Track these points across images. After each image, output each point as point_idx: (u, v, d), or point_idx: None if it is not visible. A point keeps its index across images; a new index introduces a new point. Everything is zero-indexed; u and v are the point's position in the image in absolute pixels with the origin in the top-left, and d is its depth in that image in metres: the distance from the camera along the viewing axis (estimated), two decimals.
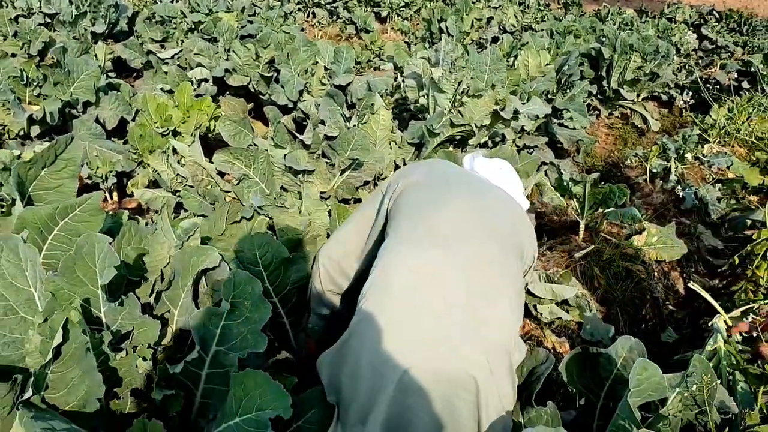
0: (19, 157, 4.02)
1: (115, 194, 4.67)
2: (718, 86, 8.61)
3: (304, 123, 5.68)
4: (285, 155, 3.79)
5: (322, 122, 4.42)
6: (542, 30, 9.87)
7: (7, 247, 1.82)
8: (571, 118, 6.20)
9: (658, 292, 4.28)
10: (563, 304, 3.49)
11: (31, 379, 1.53)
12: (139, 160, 4.68)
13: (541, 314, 3.39)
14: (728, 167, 5.80)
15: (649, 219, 4.92)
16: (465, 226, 2.01)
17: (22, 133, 5.09)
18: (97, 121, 5.39)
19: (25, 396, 1.48)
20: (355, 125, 4.56)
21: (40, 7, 7.85)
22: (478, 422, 1.73)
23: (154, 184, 4.69)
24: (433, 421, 1.70)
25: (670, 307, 4.26)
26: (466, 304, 1.80)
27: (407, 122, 4.85)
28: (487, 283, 1.88)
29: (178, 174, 3.79)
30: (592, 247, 4.29)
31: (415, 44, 9.66)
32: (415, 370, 1.71)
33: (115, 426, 1.82)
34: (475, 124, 4.39)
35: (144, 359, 1.79)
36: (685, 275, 4.62)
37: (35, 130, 5.14)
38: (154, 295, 2.03)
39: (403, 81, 5.38)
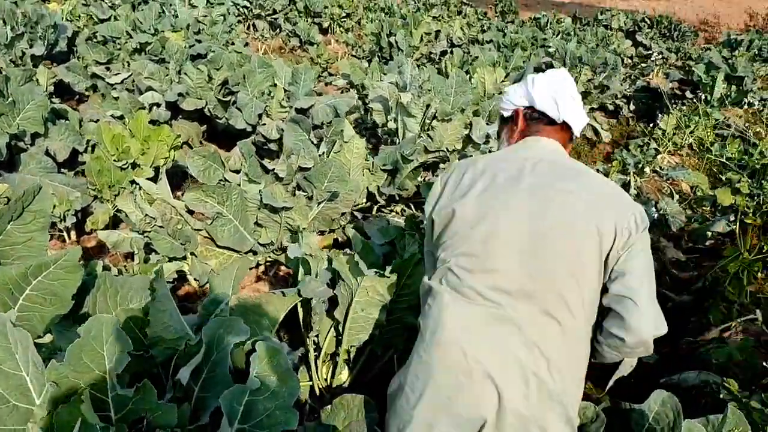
0: None
1: (73, 233, 4.43)
2: (659, 94, 8.89)
3: (265, 147, 5.55)
4: (260, 191, 3.67)
5: (291, 152, 4.31)
6: (489, 42, 9.97)
7: None
8: None
9: None
10: None
11: None
12: (99, 196, 4.45)
13: None
14: (683, 179, 5.96)
15: None
16: (525, 269, 1.81)
17: None
18: (47, 153, 5.12)
19: None
20: (324, 153, 4.47)
21: None
22: None
23: (114, 220, 4.48)
24: None
25: None
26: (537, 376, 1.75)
27: (375, 146, 4.80)
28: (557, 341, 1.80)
29: (146, 214, 3.61)
30: None
31: (363, 58, 9.62)
32: None
33: None
34: (446, 148, 4.36)
35: None
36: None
37: None
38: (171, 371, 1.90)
39: (368, 104, 5.31)
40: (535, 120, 2.14)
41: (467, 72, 6.94)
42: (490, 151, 5.24)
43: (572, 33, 12.42)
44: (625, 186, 5.77)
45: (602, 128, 7.60)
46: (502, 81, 6.52)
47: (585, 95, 7.50)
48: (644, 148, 5.92)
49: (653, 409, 1.89)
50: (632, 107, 8.37)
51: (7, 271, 2.59)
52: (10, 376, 1.65)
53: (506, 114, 2.26)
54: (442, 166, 4.49)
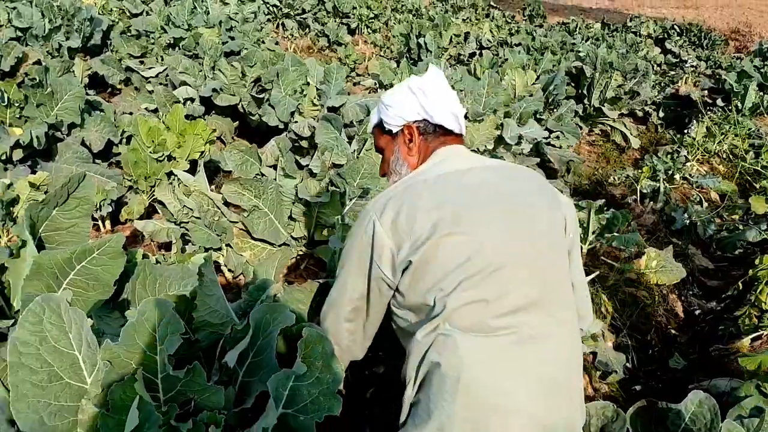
0: (9, 186, 3.86)
1: (108, 222, 4.51)
2: (688, 102, 8.83)
3: (296, 144, 5.60)
4: (296, 185, 3.72)
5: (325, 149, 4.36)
6: (518, 45, 9.97)
7: (49, 309, 1.71)
8: (558, 138, 6.27)
9: (660, 317, 4.34)
10: None
11: None
12: (134, 186, 4.54)
13: None
14: (713, 187, 5.93)
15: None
16: (525, 275, 1.77)
17: (4, 157, 4.88)
18: (82, 143, 5.22)
19: None
20: (355, 150, 4.52)
21: (10, 20, 7.57)
22: None
23: (148, 211, 4.56)
24: None
25: (672, 332, 4.32)
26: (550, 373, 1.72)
27: None
28: (565, 334, 1.78)
29: (184, 205, 3.68)
30: (597, 273, 4.32)
31: (391, 58, 9.66)
32: None
33: None
34: (478, 148, 4.38)
35: (216, 426, 1.70)
36: (683, 298, 4.70)
37: (18, 154, 4.93)
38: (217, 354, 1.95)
39: None
40: (433, 133, 2.04)
41: (497, 74, 6.95)
42: (522, 153, 5.26)
43: (601, 38, 12.37)
44: (655, 192, 5.75)
45: (631, 134, 7.57)
46: (533, 83, 6.52)
47: (615, 101, 7.48)
48: (674, 155, 5.90)
49: (690, 409, 1.90)
50: (661, 114, 8.32)
51: (52, 255, 2.66)
52: (64, 355, 1.69)
53: (395, 129, 2.08)
54: None
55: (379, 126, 2.14)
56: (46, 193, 2.90)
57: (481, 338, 1.70)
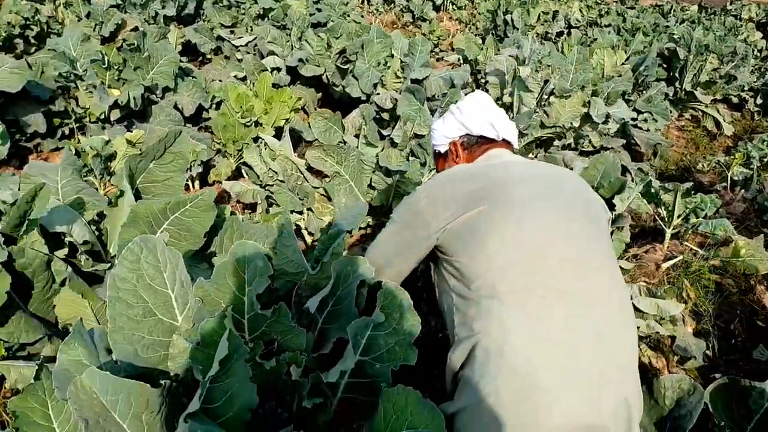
0: (108, 143, 4.07)
1: (197, 183, 4.70)
2: None
3: (378, 116, 5.65)
4: (377, 154, 3.77)
5: (407, 120, 4.38)
6: (608, 26, 9.66)
7: (147, 248, 1.81)
8: (645, 120, 6.07)
9: (746, 307, 4.18)
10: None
11: (199, 391, 1.53)
12: (222, 149, 4.70)
13: (639, 328, 3.32)
14: None
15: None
16: (569, 251, 1.81)
17: (102, 116, 5.15)
18: (175, 107, 5.45)
19: (192, 409, 1.48)
20: None
21: None
22: None
23: (236, 175, 4.72)
24: None
25: (758, 323, 4.15)
26: (600, 352, 1.70)
27: None
28: (612, 313, 1.78)
29: (269, 168, 3.79)
30: (680, 258, 4.20)
31: (477, 35, 9.55)
32: None
33: None
34: (563, 125, 4.31)
35: (297, 366, 1.78)
36: None
37: (115, 114, 5.20)
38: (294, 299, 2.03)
39: (480, 80, 5.31)
40: (475, 144, 2.25)
41: (586, 51, 6.78)
42: (607, 134, 5.13)
43: (697, 21, 11.83)
44: (747, 180, 5.50)
45: (724, 120, 7.24)
46: (623, 64, 6.33)
47: (709, 85, 7.16)
48: None
49: None
50: (759, 101, 7.91)
51: (148, 205, 2.81)
52: (158, 293, 1.79)
53: (442, 149, 2.34)
54: (556, 143, 4.44)
55: (435, 153, 2.43)
56: (141, 151, 3.04)
57: (527, 313, 1.72)
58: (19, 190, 3.00)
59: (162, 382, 1.63)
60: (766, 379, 1.96)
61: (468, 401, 1.74)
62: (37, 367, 1.78)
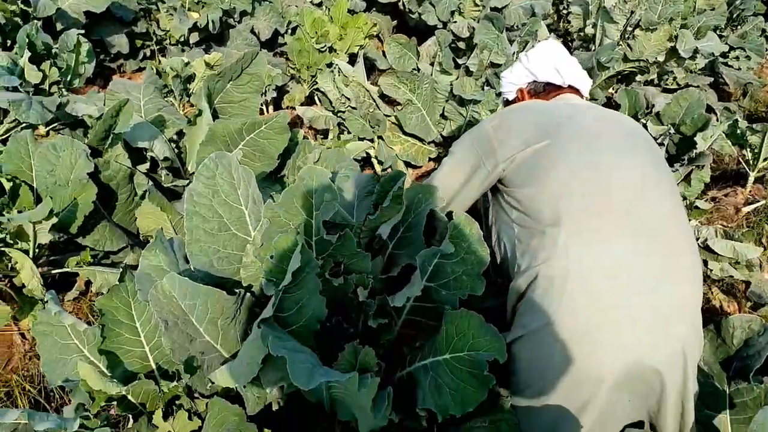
0: (187, 64, 4.15)
1: (270, 108, 4.76)
2: None
3: (453, 44, 5.53)
4: (451, 82, 3.71)
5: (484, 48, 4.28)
6: None
7: (222, 165, 1.86)
8: (737, 58, 5.73)
9: None
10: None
11: (273, 299, 1.59)
12: (297, 75, 4.73)
13: (711, 270, 3.23)
14: None
15: None
16: (635, 183, 1.81)
17: (182, 39, 5.24)
18: (251, 31, 5.48)
19: (265, 315, 1.55)
20: (515, 52, 4.39)
21: None
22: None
23: (309, 100, 4.76)
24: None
25: None
26: (663, 288, 1.68)
27: (569, 51, 4.62)
28: (677, 247, 1.75)
29: (342, 94, 3.80)
30: (763, 202, 4.03)
31: None
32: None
33: (326, 349, 1.90)
34: (647, 59, 4.12)
35: (364, 287, 1.83)
36: None
37: (194, 37, 5.28)
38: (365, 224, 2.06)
39: (561, 11, 5.10)
40: (542, 91, 2.32)
41: None
42: (694, 71, 4.88)
43: None
44: None
45: None
46: None
47: None
48: None
49: None
50: None
51: (225, 125, 2.88)
52: (233, 208, 1.86)
53: (511, 96, 2.44)
54: (638, 78, 4.27)
55: (504, 102, 2.54)
56: (219, 72, 3.10)
57: (591, 242, 1.72)
58: (104, 105, 3.12)
59: (236, 290, 1.71)
60: None
61: (527, 329, 1.77)
62: (121, 272, 1.89)
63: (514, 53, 4.35)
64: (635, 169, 1.84)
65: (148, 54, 5.30)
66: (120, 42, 4.95)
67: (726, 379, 1.86)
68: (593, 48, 4.51)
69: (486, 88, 3.84)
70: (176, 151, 3.16)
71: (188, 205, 1.83)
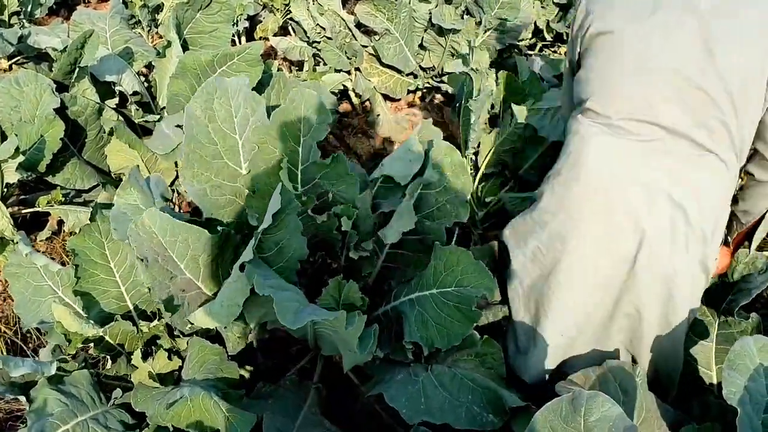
0: None
1: (243, 38, 4.60)
2: None
3: None
4: (430, 11, 3.59)
5: None
6: None
7: (221, 90, 1.75)
8: None
9: None
10: None
11: (252, 241, 1.55)
12: (269, 4, 4.55)
13: None
14: None
15: None
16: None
17: None
18: None
19: (245, 258, 1.50)
20: None
21: None
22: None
23: (283, 30, 4.59)
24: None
25: None
26: None
27: None
28: None
29: (317, 24, 3.67)
30: None
31: None
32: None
33: (311, 285, 1.87)
34: None
35: (348, 218, 1.79)
36: None
37: None
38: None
39: None
40: None
41: None
42: None
43: None
44: None
45: None
46: None
47: None
48: None
49: None
50: None
51: (195, 57, 2.76)
52: (227, 137, 1.76)
53: None
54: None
55: None
56: (188, 2, 2.95)
57: (608, 136, 1.66)
58: (69, 37, 2.98)
59: (219, 229, 1.66)
60: None
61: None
62: (91, 210, 1.83)
63: None
64: (703, 87, 1.62)
65: None
66: None
67: (717, 311, 1.86)
68: None
69: (466, 16, 3.72)
70: (146, 84, 3.04)
71: (186, 128, 1.74)
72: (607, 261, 1.67)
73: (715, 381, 1.74)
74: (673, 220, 1.62)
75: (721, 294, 1.87)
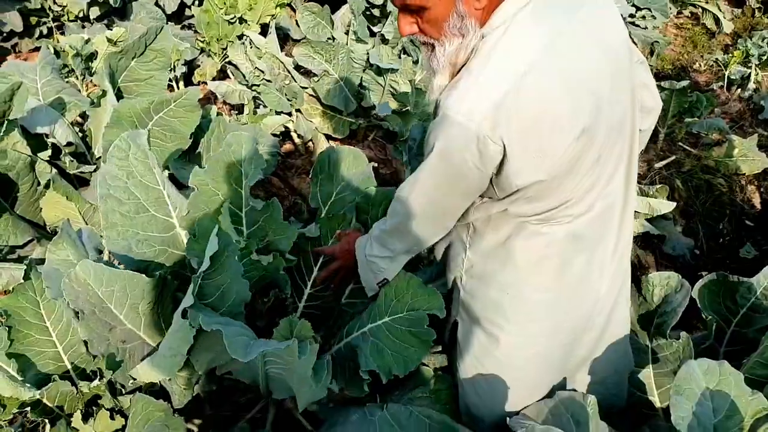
0: (87, 41, 3.92)
1: (181, 84, 4.56)
2: None
3: (368, 12, 5.45)
4: (368, 51, 3.64)
5: None
6: None
7: (135, 145, 1.75)
8: (643, 17, 5.91)
9: (735, 207, 4.20)
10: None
11: (191, 286, 1.51)
12: (207, 48, 4.54)
13: None
14: None
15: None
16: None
17: (81, 15, 4.95)
18: (156, 4, 5.22)
19: (186, 304, 1.47)
20: None
21: None
22: None
23: (221, 74, 4.58)
24: None
25: (747, 222, 4.19)
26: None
27: None
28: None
29: (256, 67, 3.67)
30: (673, 157, 4.18)
31: None
32: None
33: (259, 327, 1.85)
34: None
35: (289, 261, 1.78)
36: (762, 189, 4.52)
37: (94, 12, 5.00)
38: None
39: None
40: None
41: None
42: None
43: None
44: (744, 79, 5.41)
45: (724, 17, 7.04)
46: None
47: None
48: None
49: (762, 283, 1.84)
50: None
51: (131, 105, 2.72)
52: (150, 189, 1.75)
53: None
54: None
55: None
56: (122, 49, 2.92)
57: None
58: None
59: (157, 273, 1.62)
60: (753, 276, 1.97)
61: None
62: (25, 269, 1.76)
63: None
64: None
65: (45, 32, 4.97)
66: (12, 19, 4.62)
67: (648, 335, 1.91)
68: None
69: (403, 56, 3.79)
70: (80, 135, 2.97)
71: (101, 189, 1.71)
72: None
73: (658, 405, 1.77)
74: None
75: (647, 317, 1.92)
